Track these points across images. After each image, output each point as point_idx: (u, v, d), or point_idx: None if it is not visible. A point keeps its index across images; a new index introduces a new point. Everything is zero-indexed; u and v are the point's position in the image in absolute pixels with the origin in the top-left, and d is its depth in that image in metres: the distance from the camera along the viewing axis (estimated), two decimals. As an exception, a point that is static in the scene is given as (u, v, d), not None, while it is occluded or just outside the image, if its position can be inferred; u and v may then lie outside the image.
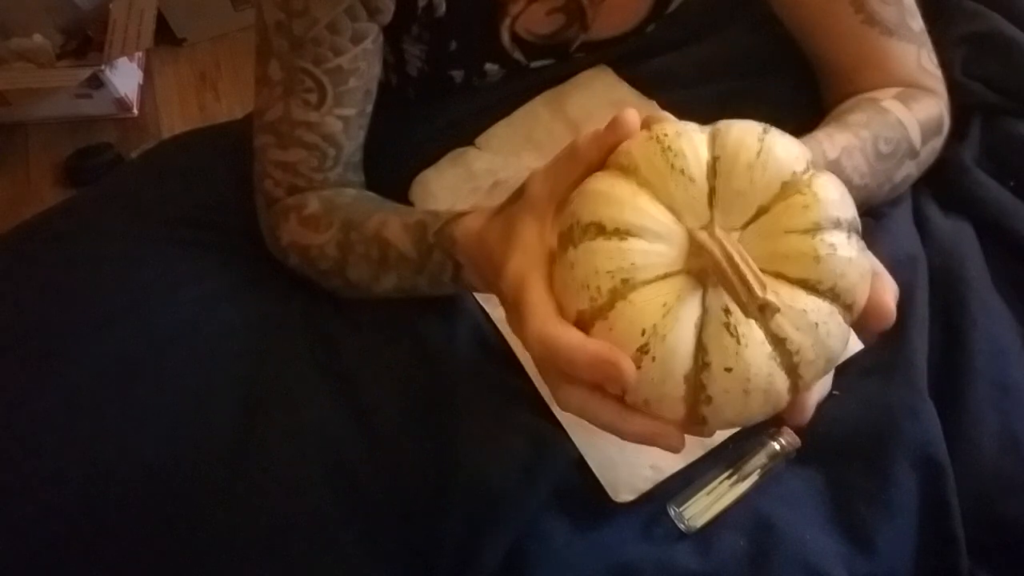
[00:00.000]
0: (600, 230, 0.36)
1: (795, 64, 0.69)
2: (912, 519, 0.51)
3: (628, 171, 0.37)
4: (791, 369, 0.36)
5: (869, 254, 0.39)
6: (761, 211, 0.36)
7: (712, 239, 0.35)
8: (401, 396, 0.55)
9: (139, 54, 1.60)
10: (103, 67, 1.49)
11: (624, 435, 0.37)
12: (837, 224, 0.36)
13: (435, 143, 0.68)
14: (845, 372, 0.55)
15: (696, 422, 0.37)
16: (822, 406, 0.53)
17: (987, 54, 0.70)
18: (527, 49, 0.66)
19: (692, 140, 0.37)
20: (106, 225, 0.66)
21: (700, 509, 0.50)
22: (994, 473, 0.52)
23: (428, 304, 0.59)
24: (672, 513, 0.51)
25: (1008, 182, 0.66)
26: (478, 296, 0.59)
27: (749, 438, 0.53)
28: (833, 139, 0.57)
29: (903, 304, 0.58)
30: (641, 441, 0.37)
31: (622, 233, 0.36)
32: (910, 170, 0.63)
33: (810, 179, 0.37)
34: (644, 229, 0.36)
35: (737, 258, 0.34)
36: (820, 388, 0.39)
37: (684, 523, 0.50)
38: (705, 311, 0.36)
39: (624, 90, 0.68)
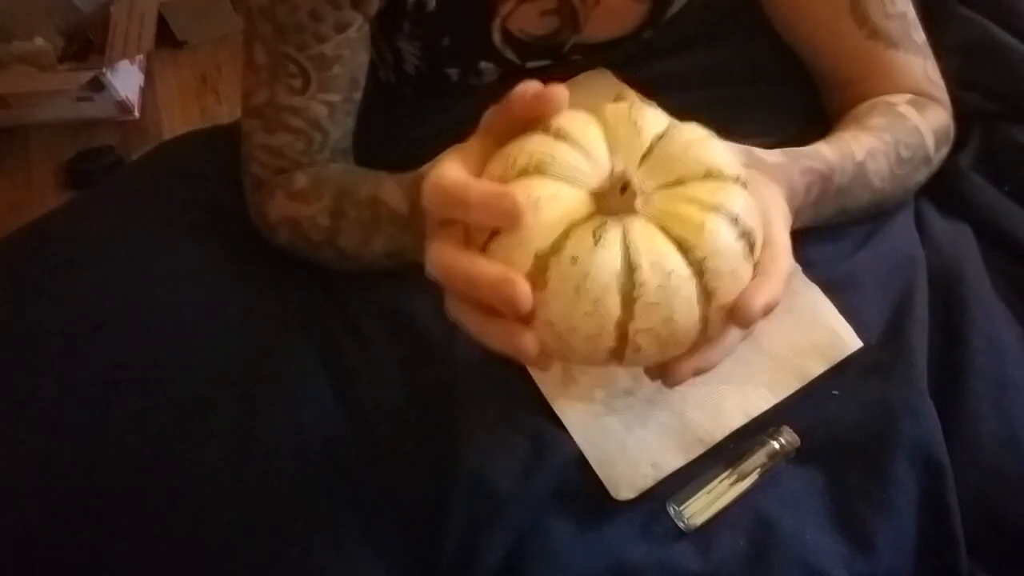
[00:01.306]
0: (545, 129, 0.41)
1: (795, 70, 0.70)
2: (912, 519, 0.51)
3: (597, 111, 0.42)
4: (628, 301, 0.38)
5: (750, 272, 0.41)
6: (679, 181, 0.40)
7: (626, 171, 0.39)
8: (401, 395, 0.55)
9: (140, 57, 1.60)
10: (104, 70, 1.50)
11: (480, 280, 0.38)
12: (734, 220, 0.39)
13: (435, 143, 0.67)
14: (845, 372, 0.55)
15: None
16: (822, 406, 0.54)
17: (981, 62, 0.71)
18: (520, 49, 0.66)
19: (657, 114, 0.42)
20: (106, 226, 0.67)
21: (700, 508, 0.50)
22: (994, 473, 0.53)
23: (428, 302, 0.59)
24: (672, 511, 0.51)
25: (1003, 186, 0.66)
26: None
27: (749, 437, 0.53)
28: (859, 140, 0.57)
29: (903, 304, 0.58)
30: (493, 288, 0.38)
31: (559, 135, 0.40)
32: (923, 176, 0.63)
33: (733, 182, 0.40)
34: (577, 142, 0.40)
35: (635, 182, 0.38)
36: (701, 359, 0.41)
37: (684, 521, 0.50)
38: (585, 219, 0.39)
39: (624, 91, 0.68)
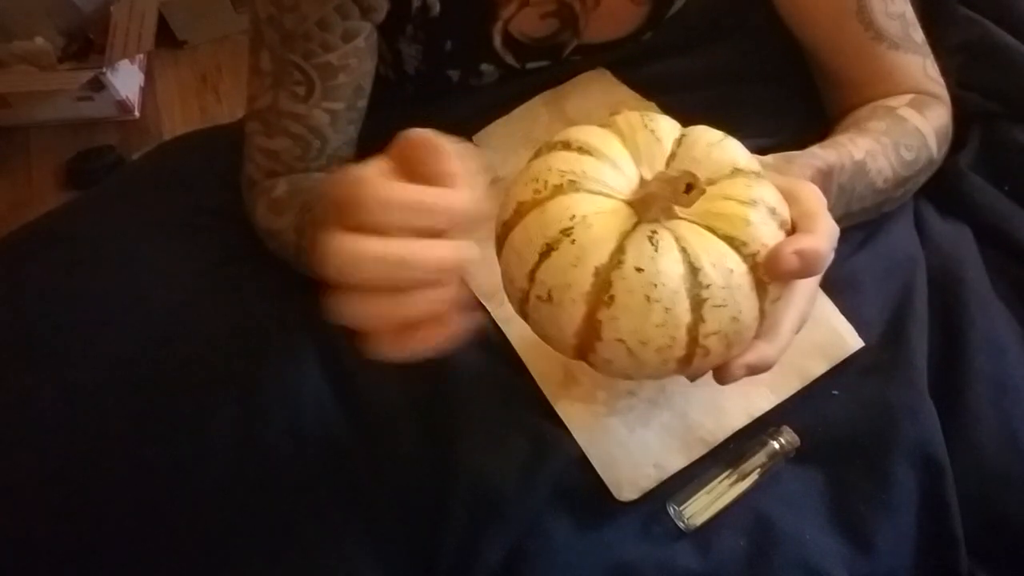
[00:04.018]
0: (566, 146, 0.40)
1: (794, 71, 0.70)
2: (912, 519, 0.51)
3: (607, 125, 0.41)
4: (696, 303, 0.37)
5: None
6: (709, 182, 0.39)
7: (687, 170, 0.37)
8: (401, 396, 0.55)
9: (140, 56, 1.60)
10: (104, 70, 1.50)
11: (420, 264, 0.33)
12: (772, 212, 0.39)
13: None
14: (845, 372, 0.55)
15: (591, 331, 0.37)
16: (822, 406, 0.54)
17: (981, 62, 0.71)
18: (520, 51, 0.66)
19: (669, 121, 0.41)
20: (106, 226, 0.67)
21: (700, 508, 0.50)
22: (994, 473, 0.52)
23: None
24: (672, 511, 0.51)
25: (1003, 186, 0.66)
26: (480, 295, 0.59)
27: (749, 437, 0.53)
28: (856, 143, 0.57)
29: (903, 304, 0.58)
30: (436, 265, 0.33)
31: (584, 150, 0.39)
32: (925, 176, 0.63)
33: (759, 177, 0.40)
34: (603, 154, 0.39)
35: (676, 174, 0.37)
36: (754, 353, 0.40)
37: (684, 521, 0.50)
38: (634, 228, 0.38)
39: (623, 92, 0.68)
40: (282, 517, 0.52)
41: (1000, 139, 0.69)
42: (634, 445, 0.53)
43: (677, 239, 0.37)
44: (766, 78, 0.69)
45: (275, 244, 0.62)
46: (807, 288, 0.43)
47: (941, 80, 0.65)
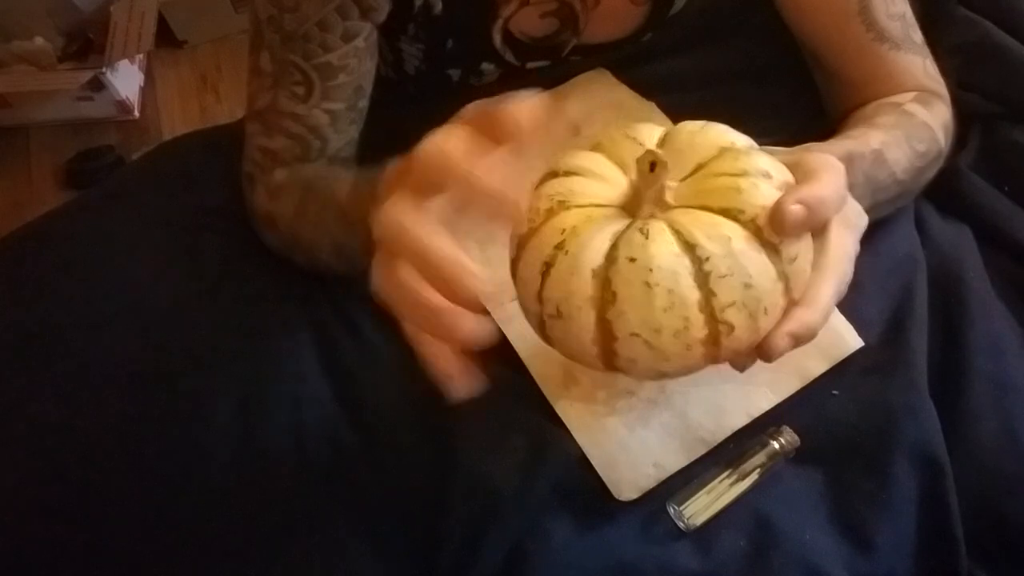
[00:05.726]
0: (553, 174, 0.41)
1: (794, 71, 0.70)
2: (912, 519, 0.51)
3: (593, 148, 0.43)
4: (702, 278, 0.36)
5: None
6: (699, 167, 0.40)
7: (647, 149, 0.38)
8: (401, 395, 0.55)
9: (140, 56, 1.61)
10: (104, 69, 1.50)
11: (432, 251, 0.34)
12: (766, 176, 0.38)
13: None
14: (845, 372, 0.55)
15: (605, 334, 0.37)
16: (822, 406, 0.54)
17: (980, 63, 0.71)
18: (520, 50, 0.66)
19: (651, 126, 0.42)
20: (106, 227, 0.67)
21: (700, 508, 0.50)
22: (994, 472, 0.52)
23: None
24: (672, 511, 0.51)
25: (1003, 186, 0.66)
26: (480, 296, 0.59)
27: (749, 437, 0.53)
28: (869, 135, 0.57)
29: (903, 304, 0.58)
30: (443, 261, 0.34)
31: (570, 174, 0.40)
32: (934, 171, 0.63)
33: (748, 150, 0.40)
34: (588, 171, 0.40)
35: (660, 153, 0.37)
36: (794, 321, 0.38)
37: (684, 521, 0.50)
38: (627, 228, 0.38)
39: (623, 92, 0.68)
40: (282, 517, 0.52)
41: (1000, 140, 0.69)
42: (634, 445, 0.53)
43: (670, 224, 0.37)
44: (766, 78, 0.70)
45: (272, 232, 0.62)
46: (841, 248, 0.41)
47: (940, 79, 0.65)
